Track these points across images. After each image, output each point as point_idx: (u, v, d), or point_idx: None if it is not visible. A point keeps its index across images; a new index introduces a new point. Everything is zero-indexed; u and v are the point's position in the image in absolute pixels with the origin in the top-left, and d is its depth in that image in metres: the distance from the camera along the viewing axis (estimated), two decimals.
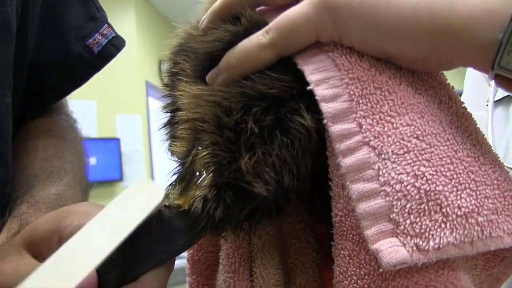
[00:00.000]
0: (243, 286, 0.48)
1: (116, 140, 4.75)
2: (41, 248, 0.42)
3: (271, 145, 0.39)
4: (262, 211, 0.43)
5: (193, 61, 0.45)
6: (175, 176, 0.42)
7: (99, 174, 4.39)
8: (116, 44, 0.86)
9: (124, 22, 4.84)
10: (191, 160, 0.41)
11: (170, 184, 0.42)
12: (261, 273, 0.48)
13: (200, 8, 0.51)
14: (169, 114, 0.49)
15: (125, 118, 4.82)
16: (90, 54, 0.82)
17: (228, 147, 0.40)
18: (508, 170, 0.66)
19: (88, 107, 4.42)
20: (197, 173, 0.40)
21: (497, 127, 0.76)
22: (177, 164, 0.43)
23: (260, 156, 0.39)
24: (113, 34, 0.86)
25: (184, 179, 0.41)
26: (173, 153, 0.44)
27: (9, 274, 0.41)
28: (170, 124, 0.48)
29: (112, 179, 4.63)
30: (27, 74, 0.77)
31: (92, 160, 4.31)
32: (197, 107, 0.42)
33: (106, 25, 0.86)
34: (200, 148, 0.41)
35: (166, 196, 0.40)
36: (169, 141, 0.49)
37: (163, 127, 0.50)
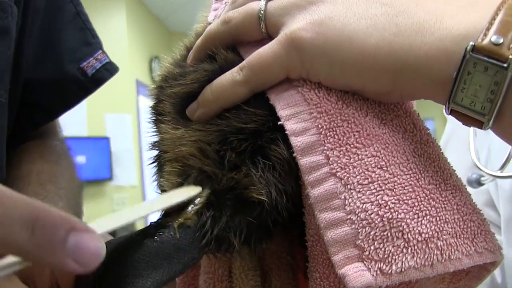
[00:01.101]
0: (222, 286, 0.50)
1: (106, 139, 4.76)
2: (33, 276, 0.43)
3: (254, 168, 0.42)
4: (257, 231, 0.44)
5: (173, 100, 0.48)
6: None
7: (89, 173, 4.41)
8: (109, 69, 0.89)
9: (115, 20, 4.85)
10: None
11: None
12: (241, 274, 0.50)
13: (181, 44, 0.54)
14: (156, 152, 0.51)
15: (115, 117, 4.83)
16: (83, 76, 0.86)
17: (217, 166, 0.42)
18: (489, 176, 0.69)
19: (78, 105, 4.42)
20: (193, 195, 0.41)
21: (480, 134, 0.79)
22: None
23: (246, 172, 0.42)
24: (107, 60, 0.90)
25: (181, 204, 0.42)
26: (163, 188, 0.46)
27: None
28: (158, 163, 0.50)
29: (101, 178, 4.64)
30: (21, 91, 0.79)
31: (82, 159, 4.32)
32: (181, 146, 0.44)
33: (100, 51, 0.89)
34: (189, 179, 0.43)
35: (165, 217, 0.41)
36: (157, 179, 0.51)
37: (151, 163, 0.52)
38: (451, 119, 0.89)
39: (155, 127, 0.51)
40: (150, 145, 0.52)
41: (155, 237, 0.39)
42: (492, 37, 0.35)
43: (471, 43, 0.35)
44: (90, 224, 0.32)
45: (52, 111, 0.90)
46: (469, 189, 0.44)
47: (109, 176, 4.73)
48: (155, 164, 0.51)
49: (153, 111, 0.52)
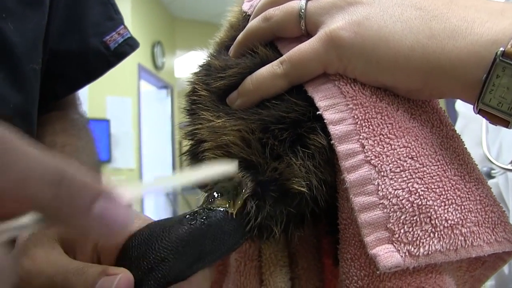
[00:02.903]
0: (252, 265, 0.52)
1: (106, 122, 4.77)
2: (74, 246, 0.44)
3: (294, 156, 0.44)
4: (294, 220, 0.46)
5: (215, 90, 0.50)
6: (211, 191, 0.45)
7: None
8: (131, 44, 0.91)
9: (119, 4, 4.83)
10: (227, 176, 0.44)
11: (211, 195, 0.44)
12: (270, 255, 0.52)
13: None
14: (190, 143, 0.51)
15: (116, 100, 4.83)
16: (106, 50, 0.87)
17: (259, 155, 0.44)
18: (500, 170, 0.72)
19: None
20: (238, 183, 0.44)
21: (492, 129, 0.82)
22: (210, 184, 0.46)
23: (288, 161, 0.44)
24: (129, 35, 0.91)
25: (226, 189, 0.44)
26: None
27: (39, 261, 0.41)
28: (193, 153, 0.51)
29: (100, 160, 4.64)
30: (46, 61, 0.81)
31: None
32: (223, 135, 0.46)
33: (122, 25, 0.91)
34: None
35: (212, 202, 0.43)
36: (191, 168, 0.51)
37: (184, 154, 0.53)
38: (462, 115, 0.92)
39: (190, 116, 0.53)
40: (185, 134, 0.53)
41: (203, 220, 0.42)
42: None
43: (501, 48, 0.38)
44: (120, 189, 0.30)
45: (74, 83, 0.91)
46: None
47: (108, 158, 4.75)
48: (189, 154, 0.52)
49: (188, 100, 0.54)
